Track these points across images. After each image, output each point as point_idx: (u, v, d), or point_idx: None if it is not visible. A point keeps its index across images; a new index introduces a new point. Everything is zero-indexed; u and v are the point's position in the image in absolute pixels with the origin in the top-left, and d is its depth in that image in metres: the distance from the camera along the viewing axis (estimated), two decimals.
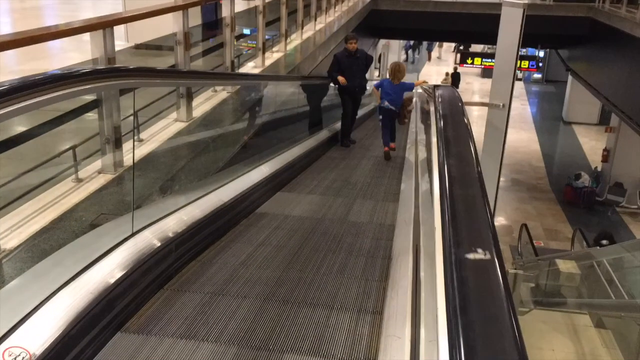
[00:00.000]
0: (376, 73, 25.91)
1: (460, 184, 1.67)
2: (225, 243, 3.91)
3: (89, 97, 3.86)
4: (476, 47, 30.86)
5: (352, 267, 3.59)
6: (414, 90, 9.17)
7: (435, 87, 3.81)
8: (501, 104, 7.29)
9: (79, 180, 3.69)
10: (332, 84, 8.74)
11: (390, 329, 2.56)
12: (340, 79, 8.17)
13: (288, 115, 8.22)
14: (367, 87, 9.91)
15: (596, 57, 15.93)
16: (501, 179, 15.74)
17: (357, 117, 9.17)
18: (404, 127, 8.87)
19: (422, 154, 4.98)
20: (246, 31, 8.26)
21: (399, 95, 7.81)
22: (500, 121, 7.34)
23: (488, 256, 1.36)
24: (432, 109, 3.46)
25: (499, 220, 14.40)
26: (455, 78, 26.74)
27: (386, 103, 7.78)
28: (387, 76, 8.11)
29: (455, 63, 34.76)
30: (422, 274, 2.46)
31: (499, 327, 1.17)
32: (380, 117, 7.94)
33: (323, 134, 8.48)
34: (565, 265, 5.78)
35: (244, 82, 6.55)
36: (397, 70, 7.76)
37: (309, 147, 7.15)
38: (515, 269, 6.57)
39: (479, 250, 1.34)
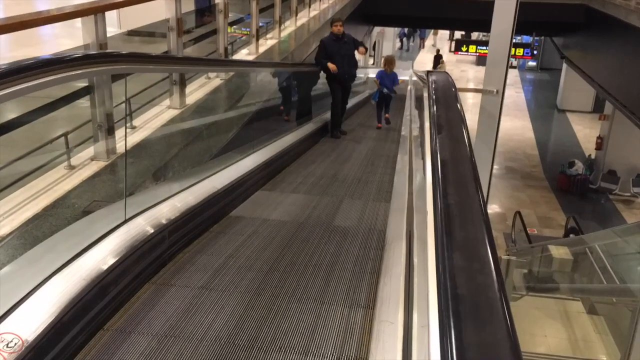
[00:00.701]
0: (371, 61, 25.84)
1: (452, 168, 1.67)
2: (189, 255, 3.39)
3: (81, 84, 3.84)
4: (472, 35, 30.80)
5: (335, 288, 3.02)
6: (408, 78, 11.28)
7: (429, 72, 3.80)
8: (495, 90, 7.29)
9: (72, 168, 3.67)
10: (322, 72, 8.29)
11: (383, 315, 2.57)
12: (331, 66, 7.83)
13: (276, 105, 7.73)
14: (359, 75, 9.84)
15: (591, 44, 15.93)
16: (495, 166, 15.81)
17: (347, 106, 8.85)
18: (399, 113, 9.46)
19: (416, 141, 4.93)
20: (240, 16, 8.20)
21: (392, 82, 9.71)
22: (494, 107, 7.34)
23: (480, 240, 1.36)
24: (425, 94, 3.45)
25: (493, 208, 14.45)
26: (436, 60, 26.97)
27: (385, 90, 9.57)
28: (382, 66, 10.12)
29: (434, 46, 34.82)
30: (415, 260, 2.47)
31: (490, 312, 1.17)
32: (376, 100, 9.77)
33: (312, 125, 8.01)
34: (558, 251, 5.81)
35: (235, 68, 6.49)
36: (389, 61, 9.76)
37: (296, 139, 6.70)
38: (509, 255, 6.59)
39: (471, 235, 1.34)
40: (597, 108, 21.25)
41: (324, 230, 3.95)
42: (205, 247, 3.51)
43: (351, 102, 11.36)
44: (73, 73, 2.70)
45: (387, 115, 9.66)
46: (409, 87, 11.57)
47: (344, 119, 8.86)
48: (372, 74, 18.06)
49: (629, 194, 15.83)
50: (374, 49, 26.69)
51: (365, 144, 8.05)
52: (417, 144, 4.58)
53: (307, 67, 8.51)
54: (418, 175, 3.49)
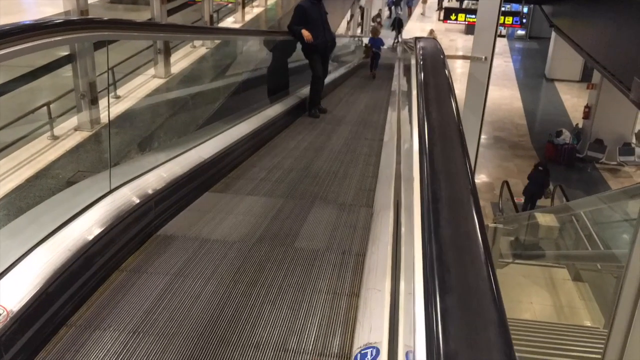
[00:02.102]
0: (359, 30, 25.59)
1: (439, 132, 1.65)
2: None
3: (63, 52, 3.76)
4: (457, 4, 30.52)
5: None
6: (398, 47, 13.60)
7: (417, 39, 3.75)
8: (483, 57, 7.24)
9: (55, 138, 3.62)
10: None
11: (370, 282, 2.58)
12: (306, 34, 6.67)
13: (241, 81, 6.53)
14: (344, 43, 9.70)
15: (580, 13, 15.82)
16: (483, 136, 15.86)
17: (337, 77, 8.59)
18: (387, 83, 9.30)
19: (404, 106, 4.88)
20: None
21: (379, 44, 14.19)
22: (482, 75, 7.30)
23: (465, 206, 1.35)
24: (413, 61, 3.41)
25: (481, 178, 14.52)
26: (398, 24, 26.43)
27: (374, 50, 13.87)
28: (370, 35, 15.08)
29: (423, 14, 34.47)
30: (402, 228, 2.46)
31: (475, 278, 1.16)
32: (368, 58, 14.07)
33: (286, 102, 6.87)
34: (544, 219, 5.86)
35: (216, 36, 6.31)
36: (375, 31, 15.31)
37: (265, 120, 5.68)
38: (496, 223, 6.65)
39: (456, 200, 1.32)
40: (585, 77, 21.27)
41: (282, 255, 3.01)
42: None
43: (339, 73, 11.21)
44: (53, 39, 2.63)
45: (374, 71, 13.31)
46: (398, 55, 11.49)
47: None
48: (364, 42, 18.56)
49: (615, 163, 15.96)
50: (362, 17, 26.40)
51: (347, 124, 6.98)
52: (404, 111, 4.53)
53: (282, 36, 7.50)
54: (406, 144, 3.47)
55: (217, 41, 6.20)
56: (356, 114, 7.63)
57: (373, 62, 13.66)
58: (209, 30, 6.30)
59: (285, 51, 7.49)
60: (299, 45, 6.96)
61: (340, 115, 7.44)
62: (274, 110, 6.11)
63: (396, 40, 19.83)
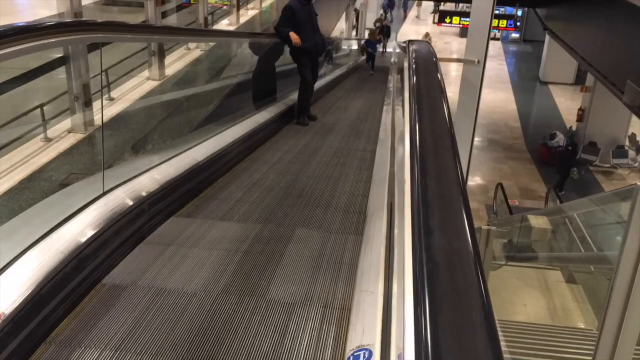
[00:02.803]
0: (354, 32, 25.65)
1: (430, 135, 1.66)
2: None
3: (56, 54, 3.77)
4: (453, 7, 30.58)
5: None
6: (390, 50, 14.63)
7: (410, 42, 3.76)
8: (476, 60, 7.27)
9: (48, 140, 3.62)
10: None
11: (363, 284, 2.59)
12: (294, 37, 6.27)
13: (225, 86, 6.23)
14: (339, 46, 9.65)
15: (573, 16, 15.90)
16: (477, 139, 15.92)
17: (330, 80, 8.51)
18: (383, 88, 9.27)
19: (399, 111, 4.88)
20: None
21: (374, 46, 16.00)
22: (475, 78, 7.33)
23: (455, 207, 1.36)
24: (405, 64, 3.43)
25: (475, 180, 14.56)
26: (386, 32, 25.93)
27: (370, 50, 15.79)
28: (366, 37, 16.86)
29: (418, 17, 34.47)
30: (395, 230, 2.47)
31: (464, 280, 1.17)
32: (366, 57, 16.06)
33: (272, 109, 6.39)
34: (537, 221, 5.88)
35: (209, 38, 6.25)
36: (372, 33, 17.38)
37: (250, 128, 5.25)
38: (489, 225, 6.66)
39: (446, 202, 1.33)
40: (579, 80, 21.36)
41: (252, 306, 2.52)
42: None
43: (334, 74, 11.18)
44: (47, 41, 2.62)
45: (371, 73, 14.87)
46: (392, 60, 11.50)
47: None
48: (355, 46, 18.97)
49: (608, 165, 16.03)
50: (357, 20, 26.45)
51: (338, 132, 6.51)
52: (398, 113, 4.53)
53: (268, 38, 7.04)
54: (399, 146, 3.48)
55: (206, 45, 6.19)
56: (348, 121, 7.22)
57: (370, 63, 15.70)
58: (198, 32, 6.30)
59: (272, 54, 7.11)
60: (286, 48, 6.62)
61: (330, 123, 7.02)
62: (258, 119, 5.66)
63: (383, 50, 19.93)
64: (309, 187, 4.31)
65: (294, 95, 6.87)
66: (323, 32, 7.54)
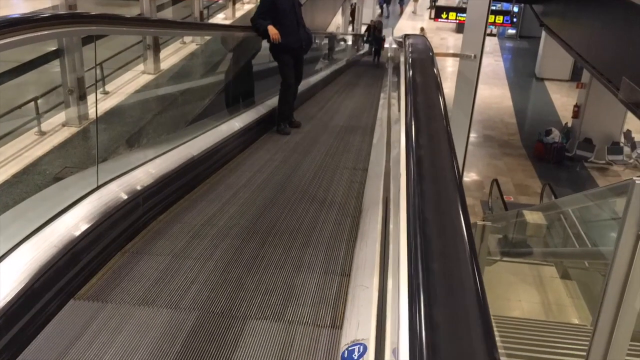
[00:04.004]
0: (350, 27, 25.60)
1: (426, 130, 1.65)
2: None
3: (51, 47, 3.74)
4: (452, 2, 30.59)
5: None
6: (387, 45, 15.17)
7: (406, 36, 3.75)
8: (472, 55, 7.27)
9: (42, 133, 3.60)
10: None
11: (358, 279, 2.58)
12: (272, 31, 5.36)
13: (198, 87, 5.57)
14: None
15: (569, 12, 15.90)
16: (474, 135, 15.94)
17: (321, 79, 7.95)
18: (379, 82, 9.21)
19: (395, 107, 4.84)
20: None
21: (379, 41, 18.11)
22: (471, 73, 7.33)
23: (451, 204, 1.35)
24: (402, 59, 3.42)
25: (470, 176, 14.59)
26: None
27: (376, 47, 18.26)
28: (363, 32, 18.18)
29: (415, 13, 34.38)
30: (391, 226, 2.47)
31: (460, 274, 1.17)
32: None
33: (251, 115, 5.46)
34: (532, 217, 5.90)
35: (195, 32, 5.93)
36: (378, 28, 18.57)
37: (214, 142, 4.26)
38: (484, 221, 6.68)
39: (442, 196, 1.33)
40: (575, 76, 21.42)
41: None
42: None
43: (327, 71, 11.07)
44: (41, 33, 2.60)
45: (376, 64, 17.53)
46: (388, 54, 11.49)
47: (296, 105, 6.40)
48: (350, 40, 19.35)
49: (603, 162, 16.08)
50: (352, 15, 26.39)
51: (324, 143, 5.48)
52: (394, 109, 4.50)
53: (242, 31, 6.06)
54: (394, 141, 3.46)
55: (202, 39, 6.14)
56: (336, 131, 6.09)
57: (376, 56, 18.19)
58: (202, 26, 6.27)
59: (250, 50, 6.29)
60: (265, 44, 5.70)
61: (317, 132, 5.99)
62: (222, 131, 4.59)
63: (375, 59, 19.23)
64: (280, 225, 3.29)
65: (276, 99, 5.93)
66: (319, 27, 7.39)
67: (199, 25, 6.17)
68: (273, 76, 5.99)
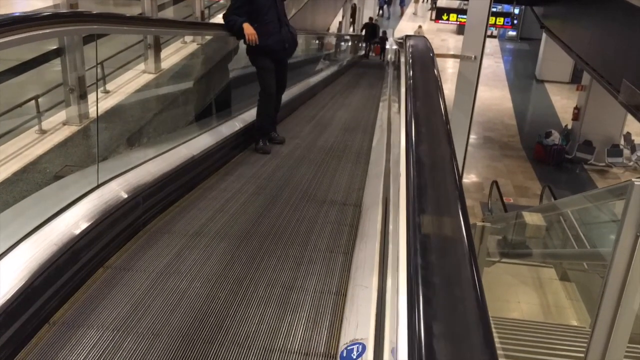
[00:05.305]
0: (351, 29, 25.61)
1: (426, 130, 1.66)
2: None
3: (52, 46, 3.75)
4: (452, 4, 30.61)
5: None
6: (388, 47, 14.89)
7: (407, 37, 3.75)
8: (473, 56, 7.28)
9: (43, 132, 3.60)
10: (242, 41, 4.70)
11: (358, 279, 2.59)
12: (249, 30, 4.47)
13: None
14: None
15: (570, 14, 15.92)
16: (473, 136, 15.95)
17: (316, 83, 7.22)
18: (381, 81, 9.15)
19: (395, 107, 4.82)
20: None
21: (384, 41, 17.15)
22: (471, 74, 7.34)
23: (451, 204, 1.36)
24: (402, 59, 3.42)
25: (470, 178, 14.59)
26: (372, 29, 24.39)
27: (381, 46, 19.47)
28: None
29: (415, 14, 34.48)
30: (390, 226, 2.47)
31: (459, 274, 1.17)
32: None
33: (225, 129, 4.58)
34: (531, 218, 5.91)
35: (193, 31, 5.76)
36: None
37: (177, 163, 3.53)
38: (484, 222, 6.69)
39: (442, 197, 1.33)
40: (575, 79, 21.43)
41: None
42: None
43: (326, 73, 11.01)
44: (42, 32, 2.61)
45: (383, 60, 17.80)
46: (388, 56, 11.48)
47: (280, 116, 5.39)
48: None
49: (603, 164, 16.09)
50: (352, 16, 26.42)
51: (310, 164, 4.54)
52: (395, 109, 4.48)
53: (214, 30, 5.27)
54: (395, 141, 3.46)
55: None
56: (325, 149, 5.12)
57: (382, 53, 20.04)
58: (200, 25, 6.27)
59: (224, 53, 5.55)
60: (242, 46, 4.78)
61: (301, 153, 4.91)
62: (185, 151, 3.74)
63: (366, 53, 21.79)
64: (251, 281, 2.59)
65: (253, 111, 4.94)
66: (319, 28, 7.07)
67: (199, 25, 6.17)
68: (255, 82, 4.89)
